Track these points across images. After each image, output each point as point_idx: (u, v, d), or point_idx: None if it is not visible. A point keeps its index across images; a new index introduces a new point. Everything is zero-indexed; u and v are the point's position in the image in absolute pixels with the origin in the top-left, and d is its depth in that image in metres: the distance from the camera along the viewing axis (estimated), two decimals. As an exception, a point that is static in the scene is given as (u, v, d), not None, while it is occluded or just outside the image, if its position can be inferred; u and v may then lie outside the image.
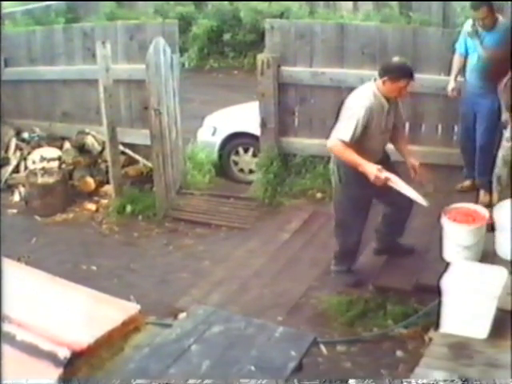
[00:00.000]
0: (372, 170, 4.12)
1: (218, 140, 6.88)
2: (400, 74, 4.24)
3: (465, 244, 4.24)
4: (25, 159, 6.93)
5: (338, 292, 4.62)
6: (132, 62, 6.47)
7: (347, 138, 4.15)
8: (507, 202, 4.41)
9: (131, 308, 2.91)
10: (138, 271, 5.30)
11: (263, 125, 6.24)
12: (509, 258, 4.40)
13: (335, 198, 4.66)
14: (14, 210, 6.47)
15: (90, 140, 6.73)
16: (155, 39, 5.83)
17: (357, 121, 4.15)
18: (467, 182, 5.73)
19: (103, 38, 6.23)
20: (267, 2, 11.43)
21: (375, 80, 4.35)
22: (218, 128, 6.93)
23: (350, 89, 5.90)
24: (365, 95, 4.28)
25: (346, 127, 4.19)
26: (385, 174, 4.14)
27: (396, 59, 4.43)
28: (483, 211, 4.34)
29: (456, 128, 5.82)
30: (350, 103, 4.33)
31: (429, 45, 5.70)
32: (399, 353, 4.04)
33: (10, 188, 6.81)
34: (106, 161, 6.53)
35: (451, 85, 5.51)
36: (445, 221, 4.22)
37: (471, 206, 4.45)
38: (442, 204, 4.32)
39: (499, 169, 4.77)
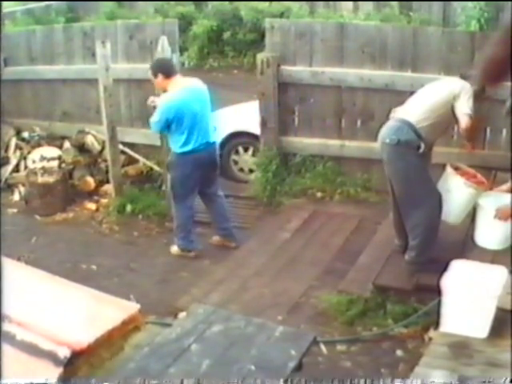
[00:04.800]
0: None
1: (217, 139, 6.87)
2: None
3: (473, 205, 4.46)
4: (25, 158, 6.93)
5: (338, 291, 4.61)
6: (132, 61, 6.47)
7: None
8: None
9: (131, 307, 2.90)
10: (138, 271, 5.30)
11: (263, 124, 6.24)
12: (488, 246, 4.47)
13: (404, 184, 4.47)
14: (14, 210, 6.48)
15: (89, 139, 6.73)
16: (162, 38, 5.84)
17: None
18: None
19: (103, 37, 6.22)
20: (267, 2, 11.43)
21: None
22: (217, 127, 6.93)
23: (350, 88, 5.99)
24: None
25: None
26: None
27: None
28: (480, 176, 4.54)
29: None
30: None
31: (429, 45, 5.70)
32: (399, 352, 4.04)
33: (10, 187, 6.81)
34: (105, 160, 6.53)
35: None
36: (460, 181, 4.32)
37: (470, 169, 4.56)
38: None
39: None
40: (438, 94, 4.40)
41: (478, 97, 4.35)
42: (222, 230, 5.59)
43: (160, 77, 5.10)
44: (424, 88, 4.60)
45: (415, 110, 4.42)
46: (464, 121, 4.26)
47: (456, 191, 4.42)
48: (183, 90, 5.09)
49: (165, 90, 5.16)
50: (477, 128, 4.52)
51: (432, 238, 4.49)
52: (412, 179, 4.40)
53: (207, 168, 5.32)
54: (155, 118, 5.14)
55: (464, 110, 4.25)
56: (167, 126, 5.13)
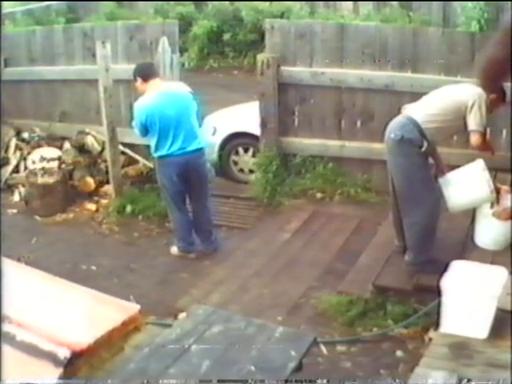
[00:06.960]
0: None
1: (218, 140, 6.88)
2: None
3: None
4: (25, 159, 6.93)
5: (337, 292, 4.61)
6: (132, 61, 6.44)
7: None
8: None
9: (131, 308, 2.91)
10: (138, 271, 5.30)
11: (263, 125, 6.24)
12: (488, 247, 4.47)
13: (404, 180, 4.45)
14: (14, 210, 6.48)
15: (89, 140, 6.73)
16: (162, 38, 5.83)
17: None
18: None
19: (103, 38, 6.22)
20: (268, 2, 11.43)
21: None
22: (217, 128, 6.93)
23: (350, 89, 5.99)
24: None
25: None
26: None
27: None
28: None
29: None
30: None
31: (429, 45, 5.70)
32: (399, 353, 4.04)
33: (10, 188, 6.81)
34: (105, 161, 6.53)
35: None
36: (485, 177, 4.32)
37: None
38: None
39: None
40: (451, 100, 4.37)
41: (499, 102, 4.33)
42: (195, 243, 5.51)
43: (139, 80, 5.17)
44: (440, 89, 4.57)
45: (424, 110, 4.40)
46: (474, 139, 4.28)
47: (474, 183, 4.37)
48: (158, 94, 5.08)
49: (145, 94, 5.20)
50: (488, 141, 4.52)
51: (429, 238, 4.47)
52: (412, 176, 4.39)
53: (187, 175, 5.22)
54: (134, 122, 5.24)
55: (474, 126, 4.24)
56: (145, 130, 5.16)
